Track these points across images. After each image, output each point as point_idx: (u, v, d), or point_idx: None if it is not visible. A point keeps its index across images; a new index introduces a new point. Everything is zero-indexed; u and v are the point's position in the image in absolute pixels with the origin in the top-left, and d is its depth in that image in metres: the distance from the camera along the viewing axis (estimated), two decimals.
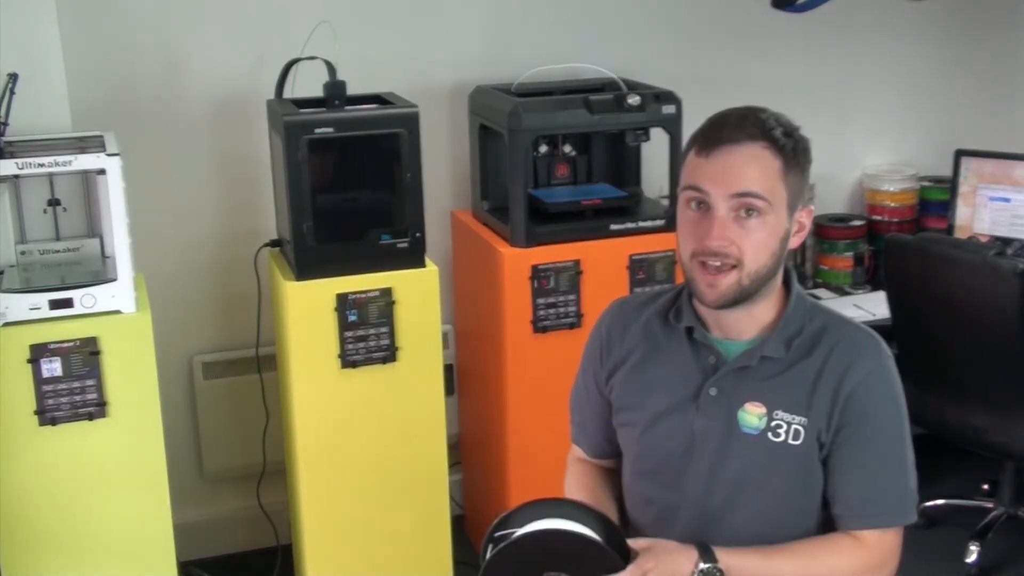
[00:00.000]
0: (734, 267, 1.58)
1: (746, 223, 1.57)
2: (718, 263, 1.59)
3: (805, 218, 1.65)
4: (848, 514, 1.63)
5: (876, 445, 1.62)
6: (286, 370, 2.81)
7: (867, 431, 1.61)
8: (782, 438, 1.62)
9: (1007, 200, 3.67)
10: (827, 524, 1.69)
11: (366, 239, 2.74)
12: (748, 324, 1.67)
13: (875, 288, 3.70)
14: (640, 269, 3.01)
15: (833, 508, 1.65)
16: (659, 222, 3.04)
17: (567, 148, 3.26)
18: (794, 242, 1.65)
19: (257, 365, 3.15)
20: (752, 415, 1.64)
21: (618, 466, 1.86)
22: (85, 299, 2.46)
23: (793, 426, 1.62)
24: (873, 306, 3.53)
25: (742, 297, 1.61)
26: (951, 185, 3.77)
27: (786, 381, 1.64)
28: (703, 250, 1.59)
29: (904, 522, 1.65)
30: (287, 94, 2.90)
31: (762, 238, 1.58)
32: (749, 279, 1.59)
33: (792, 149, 1.60)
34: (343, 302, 2.70)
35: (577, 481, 1.86)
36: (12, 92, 2.52)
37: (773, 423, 1.63)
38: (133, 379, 2.50)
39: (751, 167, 1.57)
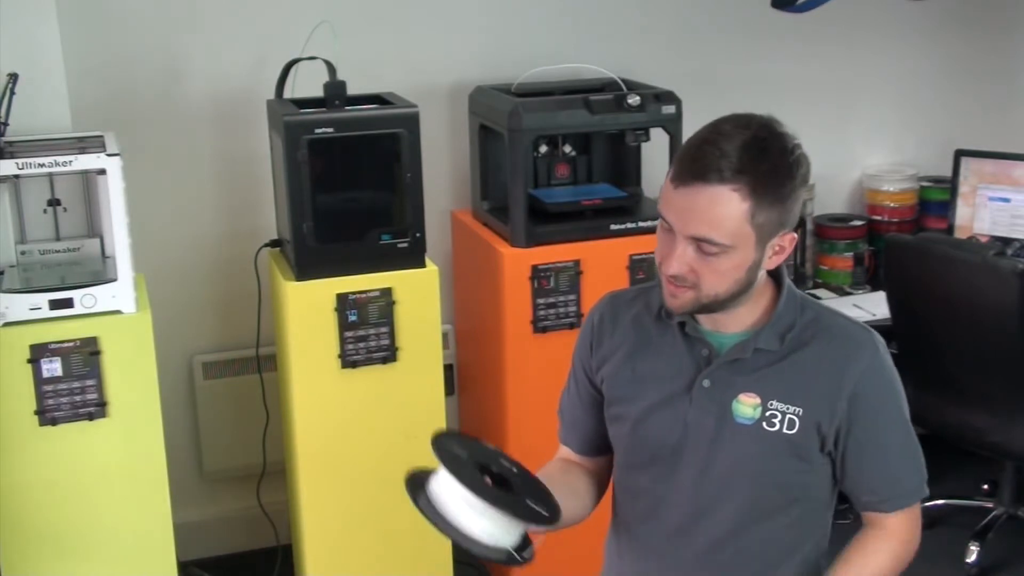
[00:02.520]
0: (692, 287, 1.60)
1: (707, 257, 1.57)
2: (676, 282, 1.61)
3: (787, 243, 1.62)
4: (876, 500, 1.70)
5: (890, 432, 1.67)
6: (286, 370, 2.81)
7: (880, 421, 1.66)
8: (776, 427, 1.64)
9: (1007, 200, 3.67)
10: (816, 512, 1.73)
11: (366, 239, 2.74)
12: (737, 319, 1.68)
13: (875, 288, 3.70)
14: (640, 269, 3.01)
15: (861, 497, 1.71)
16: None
17: (567, 148, 3.26)
18: (769, 264, 1.62)
19: (257, 365, 3.15)
20: (747, 406, 1.65)
21: (607, 465, 1.87)
22: (85, 299, 2.46)
23: (788, 415, 1.64)
24: (873, 306, 3.53)
25: (704, 310, 1.64)
26: (951, 185, 3.77)
27: (780, 372, 1.65)
28: (662, 270, 1.62)
29: (924, 495, 1.72)
30: (287, 94, 2.90)
31: (724, 270, 1.58)
32: (708, 299, 1.61)
33: (773, 184, 1.54)
34: (343, 302, 2.70)
35: (548, 468, 1.88)
36: (12, 92, 2.52)
37: (767, 413, 1.64)
38: (133, 379, 2.50)
39: (713, 212, 1.54)
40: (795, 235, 1.64)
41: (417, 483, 1.52)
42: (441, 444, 1.52)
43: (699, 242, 1.56)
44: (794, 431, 1.64)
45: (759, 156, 1.54)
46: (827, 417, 1.64)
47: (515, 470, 1.57)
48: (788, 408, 1.64)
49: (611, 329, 1.79)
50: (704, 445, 1.68)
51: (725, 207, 1.53)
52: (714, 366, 1.67)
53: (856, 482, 1.70)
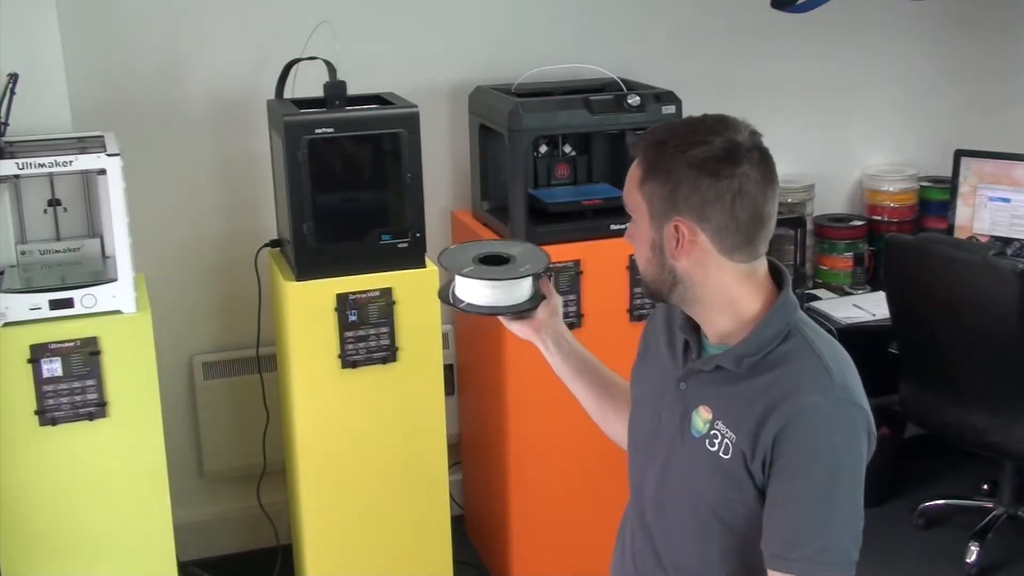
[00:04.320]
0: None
1: (631, 226, 1.66)
2: None
3: (685, 234, 1.57)
4: (768, 552, 1.57)
5: (800, 486, 1.54)
6: (286, 370, 2.81)
7: (792, 470, 1.54)
8: (715, 448, 1.61)
9: (1007, 200, 3.67)
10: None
11: (366, 239, 2.74)
12: (711, 328, 1.66)
13: (875, 288, 3.70)
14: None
15: (761, 543, 1.59)
16: None
17: (567, 148, 3.26)
18: (677, 255, 1.58)
19: (257, 365, 3.15)
20: (700, 419, 1.64)
21: None
22: (85, 299, 2.46)
23: (725, 439, 1.60)
24: (873, 306, 3.53)
25: (651, 294, 1.68)
26: (951, 185, 3.78)
27: (732, 395, 1.61)
28: None
29: (823, 573, 1.53)
30: (287, 94, 2.90)
31: (634, 243, 1.65)
32: (643, 278, 1.67)
33: (663, 157, 1.56)
34: (343, 302, 2.70)
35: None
36: (12, 92, 2.51)
37: (712, 431, 1.62)
38: (133, 379, 2.50)
39: (628, 176, 1.64)
40: (690, 226, 1.56)
41: (446, 293, 1.92)
42: (446, 257, 1.91)
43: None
44: (728, 456, 1.59)
45: (665, 133, 1.61)
46: (751, 449, 1.56)
47: (514, 250, 1.94)
48: (727, 432, 1.59)
49: (652, 324, 1.83)
50: (667, 445, 1.69)
51: (631, 174, 1.63)
52: (685, 371, 1.68)
53: (764, 525, 1.58)
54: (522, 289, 1.87)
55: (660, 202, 1.58)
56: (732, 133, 1.56)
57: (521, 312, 1.87)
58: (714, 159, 1.55)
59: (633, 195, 1.62)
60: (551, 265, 3.02)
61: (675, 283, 1.62)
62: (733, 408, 1.60)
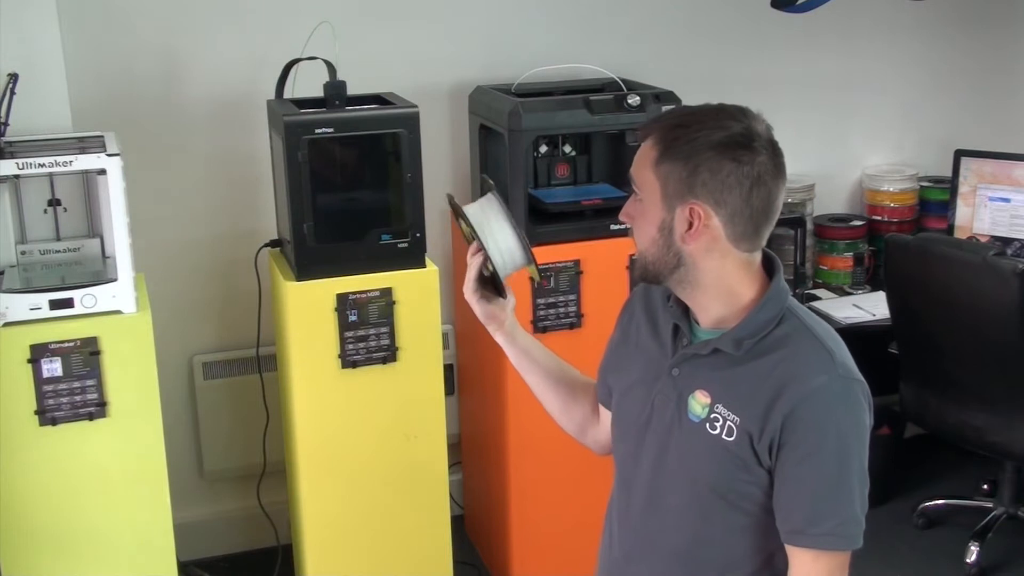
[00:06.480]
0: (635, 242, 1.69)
1: (635, 204, 1.66)
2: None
3: (698, 220, 1.58)
4: (787, 529, 1.62)
5: (815, 466, 1.58)
6: (286, 370, 2.81)
7: (809, 452, 1.58)
8: (717, 431, 1.63)
9: (1007, 200, 3.67)
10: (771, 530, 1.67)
11: (366, 239, 2.74)
12: (706, 313, 1.67)
13: (875, 288, 3.70)
14: None
15: (777, 522, 1.63)
16: None
17: (567, 148, 3.26)
18: (688, 239, 1.60)
19: (257, 365, 3.15)
20: (698, 403, 1.65)
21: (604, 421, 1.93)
22: (85, 299, 2.46)
23: (728, 422, 1.62)
24: (873, 306, 3.53)
25: (647, 275, 1.67)
26: (951, 185, 3.78)
27: (732, 377, 1.63)
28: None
29: (843, 548, 1.61)
30: (287, 94, 2.90)
31: (639, 221, 1.65)
32: (642, 257, 1.66)
33: (682, 140, 1.58)
34: (343, 302, 2.70)
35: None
36: (12, 92, 2.52)
37: (712, 415, 1.64)
38: (133, 379, 2.50)
39: (638, 154, 1.64)
40: (707, 211, 1.58)
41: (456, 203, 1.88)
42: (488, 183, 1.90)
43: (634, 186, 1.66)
44: (732, 439, 1.61)
45: (687, 116, 1.62)
46: (758, 430, 1.59)
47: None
48: (729, 415, 1.62)
49: (635, 306, 1.84)
50: (662, 431, 1.70)
51: (644, 151, 1.63)
52: (680, 356, 1.69)
53: (776, 505, 1.62)
54: (515, 259, 1.84)
55: (676, 184, 1.59)
56: (751, 122, 1.60)
57: (489, 278, 1.85)
58: (735, 144, 1.58)
59: (645, 174, 1.61)
60: (550, 265, 3.07)
61: (678, 266, 1.63)
62: (734, 391, 1.63)
